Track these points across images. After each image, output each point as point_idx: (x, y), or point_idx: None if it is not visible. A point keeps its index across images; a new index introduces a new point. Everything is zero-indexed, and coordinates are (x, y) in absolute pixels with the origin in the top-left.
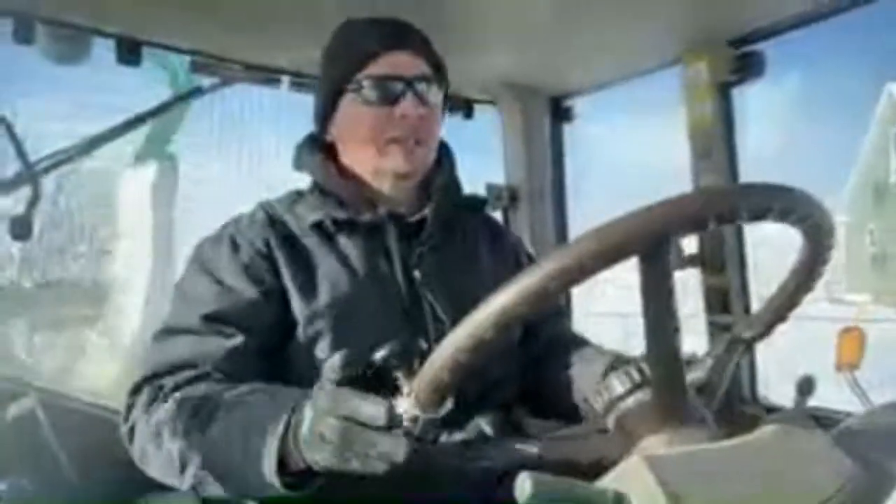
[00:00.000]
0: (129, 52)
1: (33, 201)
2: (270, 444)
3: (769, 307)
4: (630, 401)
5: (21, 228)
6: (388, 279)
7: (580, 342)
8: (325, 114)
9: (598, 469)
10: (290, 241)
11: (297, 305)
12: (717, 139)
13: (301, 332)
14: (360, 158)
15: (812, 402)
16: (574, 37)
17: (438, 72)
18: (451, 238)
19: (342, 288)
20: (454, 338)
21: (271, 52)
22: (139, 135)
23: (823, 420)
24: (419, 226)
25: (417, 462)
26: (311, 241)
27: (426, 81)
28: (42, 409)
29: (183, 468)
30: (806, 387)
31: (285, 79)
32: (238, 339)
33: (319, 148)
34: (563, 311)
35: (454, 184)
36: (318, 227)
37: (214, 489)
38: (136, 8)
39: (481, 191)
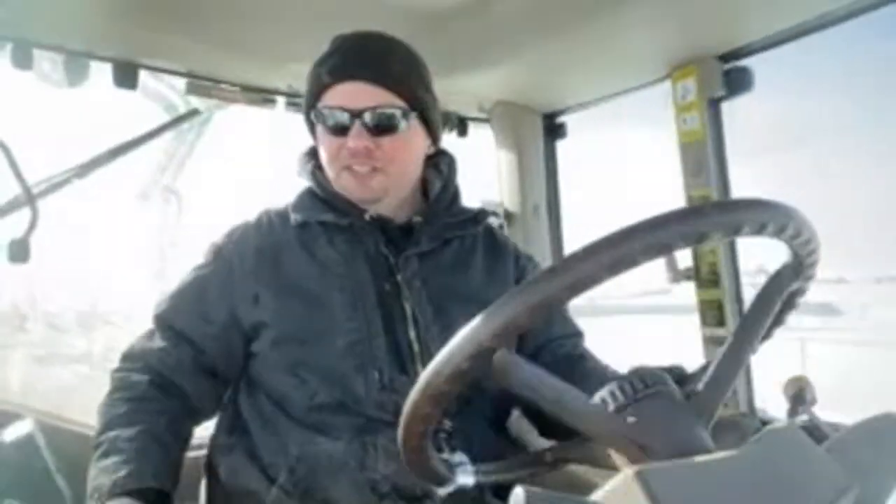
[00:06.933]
0: (126, 76)
1: (32, 224)
2: None
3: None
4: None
5: (19, 252)
6: (365, 281)
7: (588, 360)
8: (312, 132)
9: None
10: (274, 244)
11: (269, 305)
12: (707, 154)
13: (270, 332)
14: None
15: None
16: (565, 54)
17: (411, 98)
18: (444, 245)
19: (312, 288)
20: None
21: (267, 73)
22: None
23: (817, 432)
24: (411, 231)
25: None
26: (294, 244)
27: (382, 110)
28: (40, 432)
29: None
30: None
31: (281, 99)
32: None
33: (316, 157)
34: (574, 331)
35: (448, 193)
36: (302, 228)
37: None
38: (133, 32)
39: None
